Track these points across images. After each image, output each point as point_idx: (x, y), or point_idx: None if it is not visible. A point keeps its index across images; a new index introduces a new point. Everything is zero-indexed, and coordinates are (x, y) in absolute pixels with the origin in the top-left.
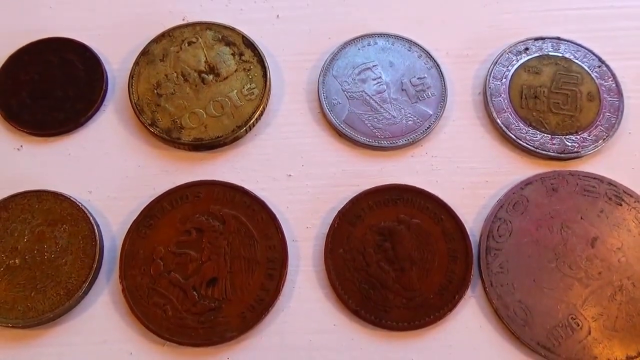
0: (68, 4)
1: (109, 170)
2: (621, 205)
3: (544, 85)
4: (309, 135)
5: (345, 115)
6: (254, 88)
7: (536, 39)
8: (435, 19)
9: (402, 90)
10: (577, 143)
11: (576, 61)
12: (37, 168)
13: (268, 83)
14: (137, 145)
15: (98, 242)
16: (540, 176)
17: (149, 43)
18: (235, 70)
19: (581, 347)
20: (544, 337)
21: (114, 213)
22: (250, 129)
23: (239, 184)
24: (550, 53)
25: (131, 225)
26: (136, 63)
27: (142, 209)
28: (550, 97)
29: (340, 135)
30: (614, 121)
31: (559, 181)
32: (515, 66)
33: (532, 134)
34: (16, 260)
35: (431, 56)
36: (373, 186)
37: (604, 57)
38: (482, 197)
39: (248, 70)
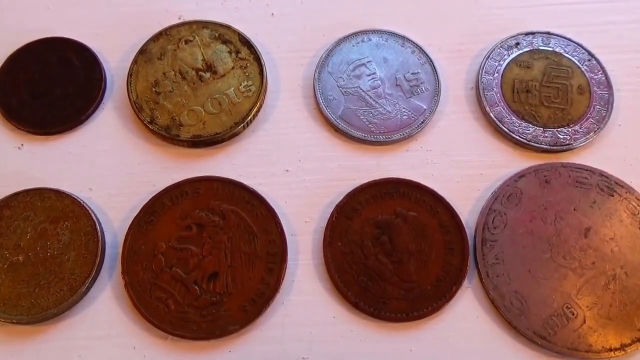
0: (65, 4)
1: (109, 168)
2: (613, 196)
3: (535, 79)
4: (305, 131)
5: (341, 111)
6: (250, 85)
7: (527, 34)
8: (428, 15)
9: (397, 85)
10: (569, 135)
11: (566, 55)
12: (38, 166)
13: (265, 80)
14: (137, 142)
15: (100, 238)
16: (533, 168)
17: (146, 42)
18: (232, 68)
19: (576, 336)
20: (539, 327)
21: (115, 210)
22: (247, 126)
23: (238, 180)
24: (541, 47)
25: (132, 222)
26: (134, 62)
27: (142, 205)
28: (541, 90)
29: (337, 130)
30: (604, 114)
31: (552, 173)
32: (507, 61)
33: (524, 127)
34: (19, 257)
35: (424, 52)
36: (370, 180)
37: (593, 51)
38: (476, 189)
39: (245, 67)
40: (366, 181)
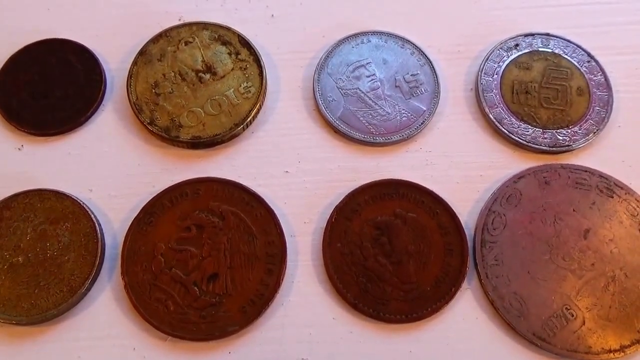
0: (66, 5)
1: (109, 169)
2: (612, 197)
3: (535, 80)
4: (305, 132)
5: (341, 112)
6: (250, 86)
7: (526, 35)
8: (427, 16)
9: (396, 86)
10: (568, 137)
11: (565, 56)
12: (38, 167)
13: (264, 81)
14: (137, 143)
15: (100, 239)
16: (532, 170)
17: (146, 43)
18: (232, 69)
19: (576, 337)
20: (539, 328)
21: (115, 211)
22: (247, 127)
23: (237, 181)
24: (540, 49)
25: (132, 223)
26: (134, 63)
27: (142, 206)
28: (540, 92)
29: (336, 131)
30: (603, 115)
31: (551, 174)
32: (506, 62)
33: (524, 128)
34: (19, 258)
35: (424, 53)
36: (369, 181)
37: (592, 52)
38: (476, 190)
39: (244, 68)
40: (366, 182)
